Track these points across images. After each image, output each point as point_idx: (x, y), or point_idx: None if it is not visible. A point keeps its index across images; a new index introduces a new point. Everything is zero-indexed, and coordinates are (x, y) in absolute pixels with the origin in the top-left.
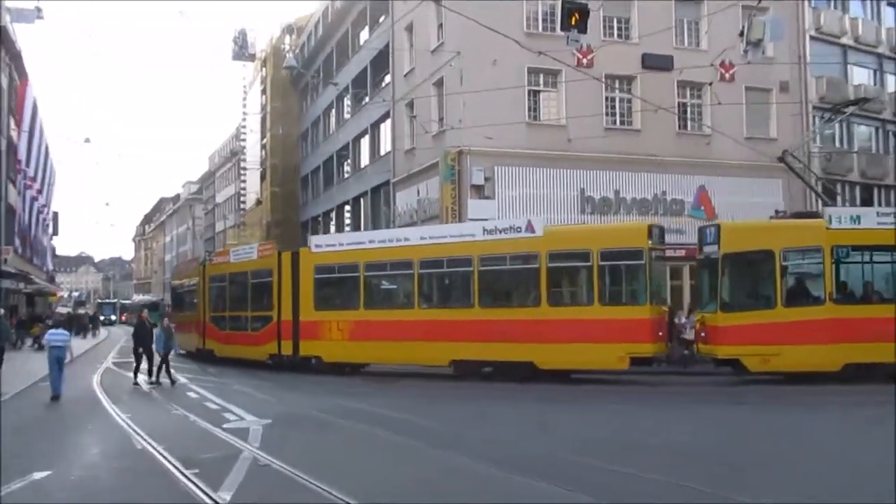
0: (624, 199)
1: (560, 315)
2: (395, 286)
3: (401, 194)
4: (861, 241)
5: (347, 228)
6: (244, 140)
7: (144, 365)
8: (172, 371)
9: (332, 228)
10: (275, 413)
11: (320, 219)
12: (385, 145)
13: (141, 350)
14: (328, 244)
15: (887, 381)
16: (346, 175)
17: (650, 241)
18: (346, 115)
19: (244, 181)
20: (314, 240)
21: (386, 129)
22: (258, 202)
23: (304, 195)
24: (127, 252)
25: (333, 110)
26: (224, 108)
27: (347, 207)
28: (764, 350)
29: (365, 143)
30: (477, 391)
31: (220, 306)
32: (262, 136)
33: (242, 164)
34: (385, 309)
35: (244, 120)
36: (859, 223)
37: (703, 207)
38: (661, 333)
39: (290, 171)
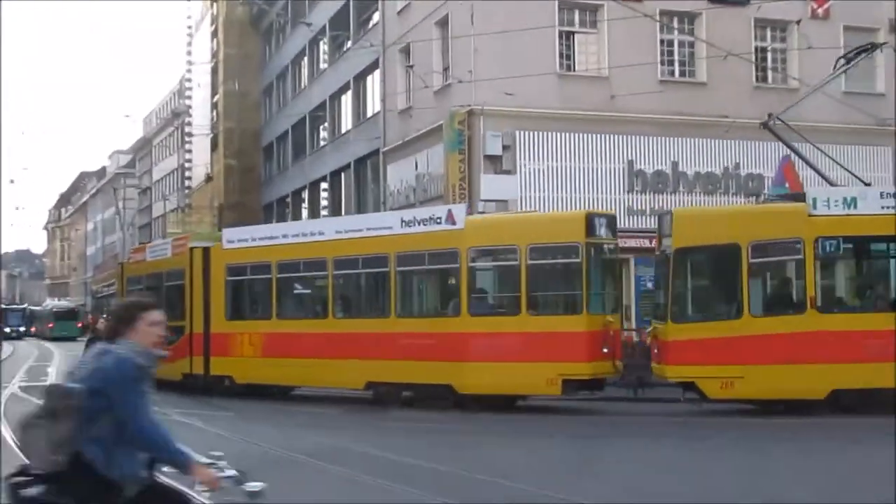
0: (684, 174)
1: (483, 327)
2: (309, 291)
3: (394, 168)
4: (856, 232)
5: (324, 213)
6: (189, 98)
7: None
8: None
9: (305, 213)
10: (231, 453)
11: (288, 200)
12: (373, 104)
13: None
14: (241, 239)
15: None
16: (322, 143)
17: (590, 235)
18: (323, 65)
19: (190, 151)
20: (227, 233)
21: (374, 82)
22: (208, 178)
23: (268, 169)
24: (38, 244)
25: (305, 59)
26: (164, 55)
27: (324, 185)
28: (725, 371)
29: (347, 101)
30: (468, 425)
31: None
32: (213, 93)
33: (187, 129)
34: (299, 319)
35: (189, 72)
36: (855, 207)
37: (787, 184)
38: (605, 350)
39: (250, 139)
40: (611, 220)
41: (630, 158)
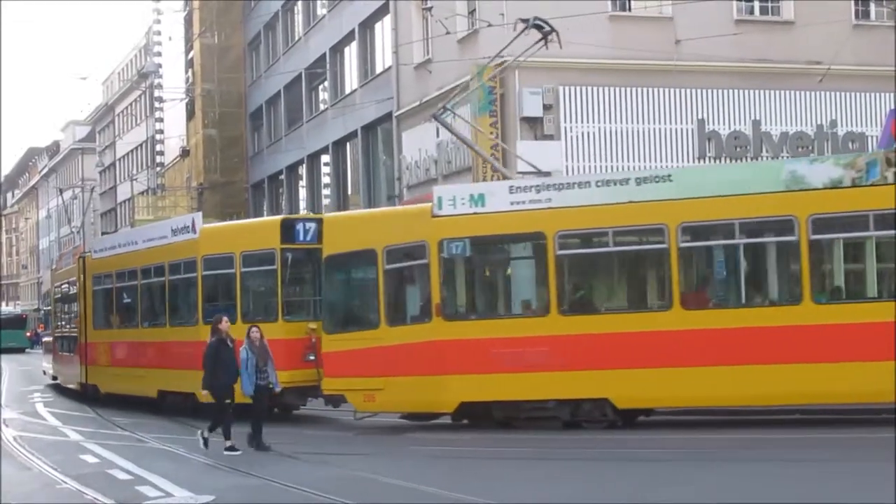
0: (768, 135)
1: None
2: (130, 300)
3: (410, 135)
4: (480, 232)
5: (326, 192)
6: (159, 55)
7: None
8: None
9: (303, 193)
10: (220, 485)
11: (282, 177)
12: (383, 58)
13: (229, 399)
14: (103, 248)
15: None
16: (322, 107)
17: (288, 241)
18: (321, 11)
19: (161, 120)
20: (97, 242)
21: (384, 30)
22: (184, 153)
23: (257, 140)
24: None
25: (300, 2)
26: (125, 2)
27: (325, 158)
28: (368, 384)
29: (351, 54)
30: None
31: (61, 322)
32: (188, 48)
33: (157, 94)
34: (126, 329)
35: (158, 22)
36: (483, 205)
37: None
38: (310, 358)
39: (234, 103)
40: (321, 225)
41: (700, 117)
